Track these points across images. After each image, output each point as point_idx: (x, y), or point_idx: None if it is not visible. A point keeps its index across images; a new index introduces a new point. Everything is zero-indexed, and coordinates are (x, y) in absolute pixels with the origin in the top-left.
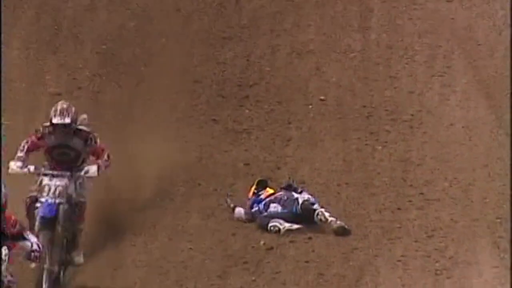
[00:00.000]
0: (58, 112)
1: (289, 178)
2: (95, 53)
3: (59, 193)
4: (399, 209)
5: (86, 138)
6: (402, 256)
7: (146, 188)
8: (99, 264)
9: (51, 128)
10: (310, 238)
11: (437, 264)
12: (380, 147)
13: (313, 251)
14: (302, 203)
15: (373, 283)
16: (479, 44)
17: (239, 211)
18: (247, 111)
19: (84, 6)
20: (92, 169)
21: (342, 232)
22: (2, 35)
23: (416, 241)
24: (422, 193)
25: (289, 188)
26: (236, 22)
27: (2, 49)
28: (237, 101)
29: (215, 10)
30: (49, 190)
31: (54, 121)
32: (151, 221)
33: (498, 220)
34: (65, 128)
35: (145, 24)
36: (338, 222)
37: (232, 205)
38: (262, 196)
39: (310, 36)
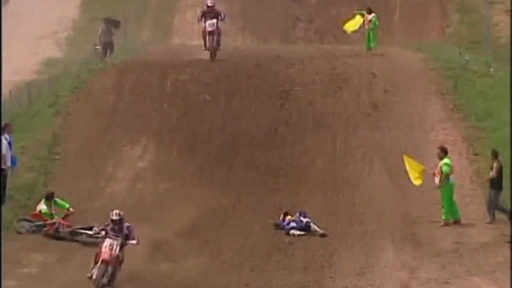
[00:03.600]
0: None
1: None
2: (209, 154)
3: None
4: (350, 224)
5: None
6: (351, 245)
7: (236, 214)
8: (208, 248)
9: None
10: (309, 238)
11: (366, 249)
12: (340, 196)
13: (310, 244)
14: (305, 223)
15: (338, 257)
16: (388, 152)
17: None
18: (280, 180)
19: (214, 127)
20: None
21: (323, 235)
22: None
23: (357, 239)
24: (360, 217)
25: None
26: (275, 140)
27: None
28: (275, 175)
29: (265, 134)
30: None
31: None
32: (236, 231)
33: (394, 227)
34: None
35: (233, 140)
36: (322, 231)
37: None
38: (286, 219)
39: (308, 146)
